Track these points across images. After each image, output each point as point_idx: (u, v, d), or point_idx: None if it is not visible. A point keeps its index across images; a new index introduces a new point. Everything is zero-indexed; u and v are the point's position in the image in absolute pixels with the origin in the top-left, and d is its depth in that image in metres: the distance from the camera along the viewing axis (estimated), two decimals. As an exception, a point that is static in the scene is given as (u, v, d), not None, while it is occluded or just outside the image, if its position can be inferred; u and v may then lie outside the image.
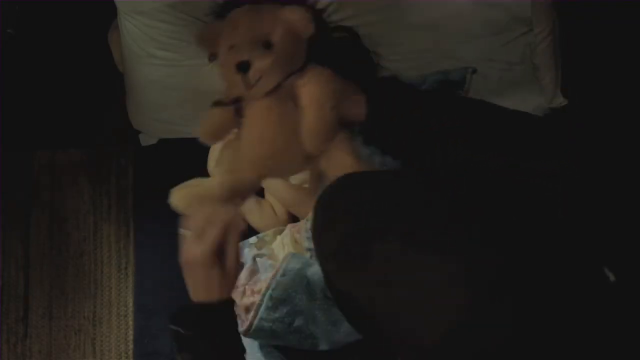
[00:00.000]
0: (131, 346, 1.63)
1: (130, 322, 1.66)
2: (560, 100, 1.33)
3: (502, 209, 0.73)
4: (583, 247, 0.77)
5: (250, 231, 1.35)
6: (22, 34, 1.68)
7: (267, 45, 0.87)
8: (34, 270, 1.72)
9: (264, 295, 1.05)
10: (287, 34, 0.88)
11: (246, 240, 1.26)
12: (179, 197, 1.00)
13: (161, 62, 1.41)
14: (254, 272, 1.15)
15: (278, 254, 1.19)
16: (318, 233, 0.77)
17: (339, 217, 0.74)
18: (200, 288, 0.96)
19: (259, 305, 1.04)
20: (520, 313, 0.64)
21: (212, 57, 1.38)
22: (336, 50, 1.38)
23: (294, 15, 0.88)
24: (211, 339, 0.93)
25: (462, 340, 0.63)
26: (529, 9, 1.28)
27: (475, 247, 0.66)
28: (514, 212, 0.73)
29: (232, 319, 0.96)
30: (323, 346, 1.02)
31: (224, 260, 0.92)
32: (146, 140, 1.55)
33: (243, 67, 0.86)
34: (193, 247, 0.94)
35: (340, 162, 0.92)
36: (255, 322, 1.03)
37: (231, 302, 0.97)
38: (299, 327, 1.02)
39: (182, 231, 0.97)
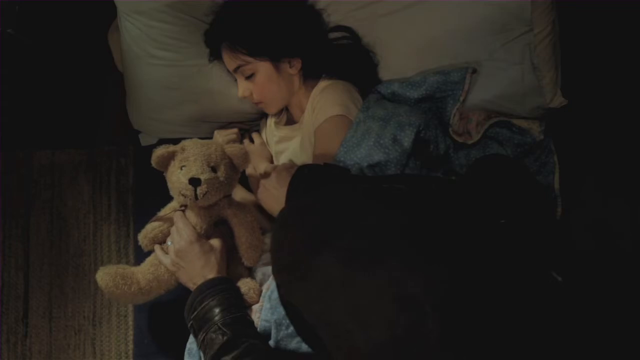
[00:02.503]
0: (131, 346, 1.63)
1: (130, 322, 1.66)
2: (560, 100, 1.33)
3: (445, 225, 0.74)
4: (524, 254, 0.78)
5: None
6: (22, 34, 1.68)
7: (214, 170, 1.13)
8: (34, 270, 1.72)
9: (263, 296, 1.07)
10: (229, 164, 1.15)
11: None
12: (104, 273, 1.16)
13: (161, 62, 1.41)
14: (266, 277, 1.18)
15: None
16: (273, 249, 0.82)
17: (289, 235, 0.79)
18: (197, 269, 1.10)
19: (261, 307, 1.06)
20: (448, 327, 0.65)
21: (212, 57, 1.39)
22: (336, 50, 1.38)
23: (236, 152, 1.15)
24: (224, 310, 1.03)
25: (392, 351, 0.65)
26: (529, 9, 1.29)
27: (408, 261, 0.68)
28: (456, 228, 0.75)
29: (237, 291, 1.09)
30: None
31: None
32: (146, 140, 1.56)
33: (195, 182, 1.10)
34: (178, 238, 1.13)
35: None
36: (260, 322, 1.05)
37: (228, 279, 1.11)
38: (295, 331, 1.02)
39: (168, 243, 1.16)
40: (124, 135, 1.64)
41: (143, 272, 1.18)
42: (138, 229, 1.27)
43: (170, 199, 1.21)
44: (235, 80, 1.36)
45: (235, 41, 1.29)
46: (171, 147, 1.14)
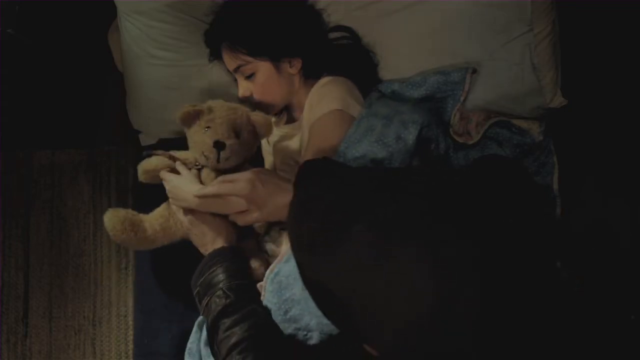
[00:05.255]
0: (131, 346, 1.63)
1: (130, 322, 1.66)
2: (560, 100, 1.33)
3: (474, 205, 0.74)
4: (544, 243, 0.79)
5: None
6: (22, 34, 1.68)
7: (237, 135, 1.15)
8: (34, 270, 1.72)
9: (267, 278, 1.10)
10: (252, 131, 1.18)
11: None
12: (113, 215, 1.17)
13: (161, 62, 1.41)
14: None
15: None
16: (292, 223, 0.80)
17: (313, 209, 0.77)
18: (209, 237, 1.13)
19: (264, 287, 1.09)
20: (486, 297, 0.65)
21: (212, 57, 1.39)
22: (336, 50, 1.38)
23: (261, 120, 1.17)
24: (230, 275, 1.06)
25: (428, 328, 0.65)
26: (529, 9, 1.29)
27: (443, 237, 0.67)
28: (484, 209, 0.75)
29: (245, 261, 1.13)
30: (315, 338, 1.04)
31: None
32: (146, 140, 1.55)
33: (220, 146, 1.12)
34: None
35: None
36: (264, 301, 1.07)
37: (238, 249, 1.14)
38: (293, 316, 1.04)
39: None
40: (124, 135, 1.64)
41: (151, 221, 1.20)
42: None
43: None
44: (235, 80, 1.36)
45: (235, 41, 1.29)
46: (198, 106, 1.16)
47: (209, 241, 1.14)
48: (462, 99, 1.31)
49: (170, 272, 1.22)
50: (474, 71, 1.32)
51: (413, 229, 0.68)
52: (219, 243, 1.14)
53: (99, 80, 1.79)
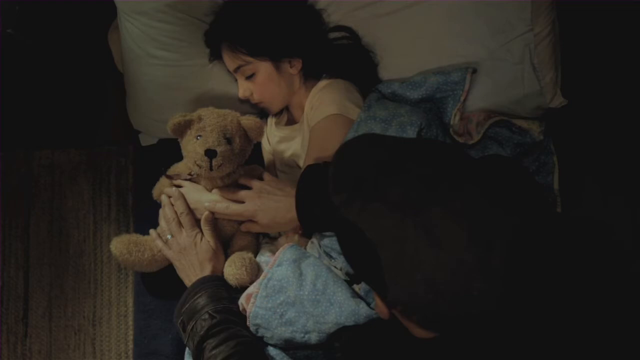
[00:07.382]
0: (131, 346, 1.63)
1: (130, 322, 1.66)
2: (560, 100, 1.33)
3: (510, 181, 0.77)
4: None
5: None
6: (22, 34, 1.68)
7: (229, 141, 1.15)
8: (34, 270, 1.72)
9: (260, 283, 1.09)
10: (244, 136, 1.18)
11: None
12: (118, 242, 1.20)
13: (161, 62, 1.41)
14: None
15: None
16: (337, 168, 0.81)
17: (365, 155, 0.79)
18: (195, 267, 1.15)
19: (256, 293, 1.09)
20: (510, 267, 0.67)
21: (212, 57, 1.39)
22: (336, 50, 1.38)
23: (251, 124, 1.18)
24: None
25: (452, 276, 0.67)
26: (529, 9, 1.29)
27: (489, 211, 0.69)
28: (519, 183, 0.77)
29: (228, 287, 1.14)
30: (314, 339, 1.04)
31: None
32: (146, 140, 1.55)
33: (211, 154, 1.13)
34: (178, 236, 1.17)
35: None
36: (253, 308, 1.07)
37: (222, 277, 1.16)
38: (289, 319, 1.05)
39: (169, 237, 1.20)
40: (124, 135, 1.64)
41: (152, 243, 1.22)
42: (138, 229, 1.27)
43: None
44: (236, 80, 1.36)
45: (235, 41, 1.29)
46: (188, 115, 1.17)
47: (193, 272, 1.16)
48: (462, 99, 1.31)
49: (170, 272, 1.22)
50: (474, 71, 1.32)
51: (461, 182, 0.70)
52: (204, 273, 1.15)
53: (99, 80, 1.79)
